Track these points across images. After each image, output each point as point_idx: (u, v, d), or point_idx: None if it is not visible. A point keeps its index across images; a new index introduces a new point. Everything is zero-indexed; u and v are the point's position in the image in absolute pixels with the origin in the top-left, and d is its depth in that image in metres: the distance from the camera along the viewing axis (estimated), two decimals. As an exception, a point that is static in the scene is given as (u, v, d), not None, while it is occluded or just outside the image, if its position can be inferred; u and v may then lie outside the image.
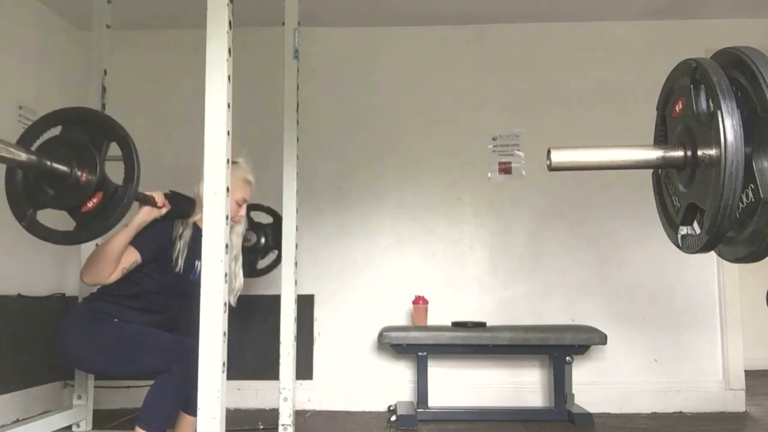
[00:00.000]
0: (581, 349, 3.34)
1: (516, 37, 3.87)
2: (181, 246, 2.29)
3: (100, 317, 2.26)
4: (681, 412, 3.53)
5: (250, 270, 2.99)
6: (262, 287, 3.63)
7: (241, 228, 2.54)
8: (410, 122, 3.84)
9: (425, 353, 3.35)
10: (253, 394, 3.62)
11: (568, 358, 3.33)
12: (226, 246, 1.67)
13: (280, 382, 2.77)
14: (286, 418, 2.77)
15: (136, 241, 2.22)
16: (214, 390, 1.61)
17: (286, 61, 2.90)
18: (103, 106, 2.96)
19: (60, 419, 2.85)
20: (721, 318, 3.62)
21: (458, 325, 3.46)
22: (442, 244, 3.76)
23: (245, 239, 2.83)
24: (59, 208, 1.90)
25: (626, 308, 3.63)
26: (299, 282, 2.91)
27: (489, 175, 3.79)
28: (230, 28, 1.71)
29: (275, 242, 3.01)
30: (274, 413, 2.84)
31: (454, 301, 3.68)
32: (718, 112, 1.10)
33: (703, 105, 1.21)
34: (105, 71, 3.02)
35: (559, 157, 1.29)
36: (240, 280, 2.52)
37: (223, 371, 1.63)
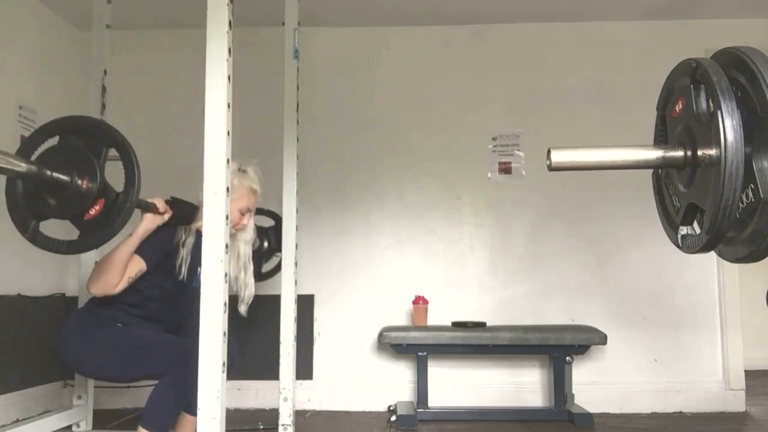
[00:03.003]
0: (581, 349, 3.34)
1: (516, 37, 3.87)
2: (184, 254, 2.29)
3: (104, 322, 2.26)
4: (681, 412, 3.53)
5: (256, 274, 2.98)
6: (262, 287, 3.61)
7: (248, 236, 2.50)
8: (410, 122, 3.84)
9: (425, 353, 3.35)
10: (253, 394, 3.62)
11: (568, 358, 3.33)
12: (226, 246, 1.67)
13: (280, 382, 2.77)
14: (286, 418, 2.77)
15: (141, 250, 2.21)
16: (214, 390, 1.60)
17: (286, 61, 2.90)
18: (103, 106, 2.96)
19: (60, 419, 2.85)
20: (721, 318, 3.62)
21: (458, 325, 3.46)
22: (442, 244, 3.76)
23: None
24: (62, 217, 1.90)
25: (626, 308, 3.63)
26: (299, 282, 2.91)
27: (489, 175, 3.79)
28: (230, 28, 1.71)
29: (278, 245, 3.00)
30: (274, 413, 2.84)
31: (454, 301, 3.68)
32: (718, 112, 1.10)
33: (703, 105, 1.21)
34: (105, 71, 3.02)
35: (559, 157, 1.29)
36: (251, 289, 2.50)
37: (223, 371, 1.63)
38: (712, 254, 1.30)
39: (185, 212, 2.33)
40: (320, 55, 3.82)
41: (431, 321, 3.55)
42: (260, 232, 3.00)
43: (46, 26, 3.57)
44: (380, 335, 3.36)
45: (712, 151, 1.13)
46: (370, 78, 3.88)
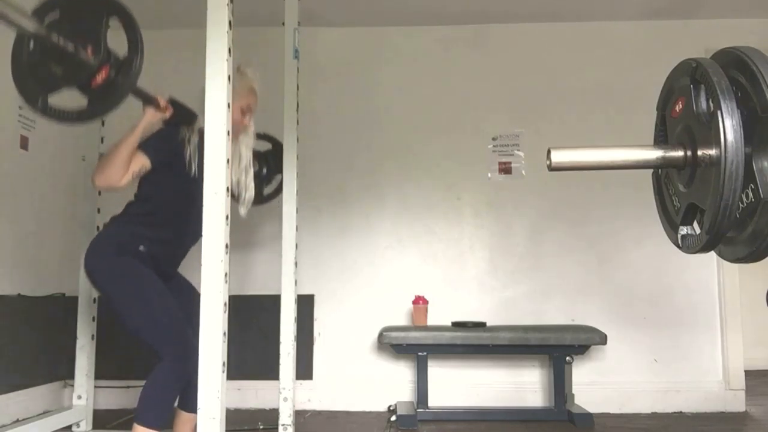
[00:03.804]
0: (581, 349, 3.34)
1: (516, 37, 3.87)
2: (191, 149, 2.29)
3: (123, 240, 2.26)
4: (681, 412, 3.53)
5: (258, 197, 2.97)
6: (262, 287, 3.63)
7: (250, 141, 2.51)
8: (410, 122, 3.84)
9: (425, 353, 3.35)
10: (253, 394, 3.62)
11: (568, 358, 3.33)
12: (226, 246, 1.67)
13: (280, 382, 2.77)
14: (286, 418, 2.78)
15: (143, 146, 2.23)
16: (214, 390, 1.61)
17: (286, 61, 2.90)
18: (103, 106, 2.95)
19: (60, 419, 2.85)
20: (721, 318, 3.62)
21: (458, 325, 3.46)
22: (442, 244, 3.76)
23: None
24: (69, 86, 1.92)
25: (626, 308, 3.63)
26: (299, 282, 2.91)
27: (489, 175, 3.79)
28: (230, 28, 1.71)
29: (277, 167, 2.99)
30: (274, 413, 2.85)
31: (454, 301, 3.68)
32: (718, 112, 1.10)
33: (703, 105, 1.21)
34: (105, 71, 3.02)
35: (559, 157, 1.29)
36: (251, 191, 2.52)
37: (223, 371, 1.63)
38: (712, 254, 1.30)
39: (185, 113, 2.35)
40: (320, 55, 3.82)
41: (431, 321, 3.55)
42: (258, 156, 2.99)
43: (46, 26, 3.56)
44: (380, 335, 3.36)
45: (712, 151, 1.13)
46: (370, 78, 3.88)
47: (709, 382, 3.58)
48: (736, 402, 3.55)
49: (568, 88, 3.80)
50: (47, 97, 1.92)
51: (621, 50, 3.81)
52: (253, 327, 3.62)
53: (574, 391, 3.37)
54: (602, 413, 3.44)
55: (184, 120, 2.35)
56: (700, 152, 1.20)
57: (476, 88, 3.83)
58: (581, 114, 3.77)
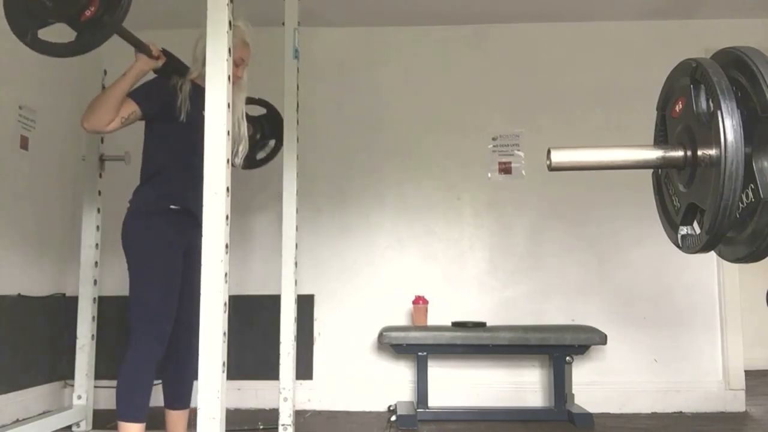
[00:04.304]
0: (581, 349, 3.34)
1: (516, 37, 3.87)
2: (182, 97, 2.30)
3: (144, 207, 2.28)
4: (681, 412, 3.53)
5: (251, 161, 2.98)
6: (262, 287, 3.63)
7: (242, 93, 2.54)
8: (410, 122, 3.84)
9: (425, 353, 3.35)
10: (253, 394, 3.62)
11: (568, 358, 3.33)
12: (226, 246, 1.67)
13: (280, 382, 2.77)
14: (286, 418, 2.77)
15: (134, 93, 2.25)
16: (214, 390, 1.61)
17: (286, 61, 2.90)
18: (103, 106, 2.95)
19: (60, 419, 2.85)
20: (721, 318, 3.62)
21: (458, 325, 3.46)
22: (442, 244, 3.76)
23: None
24: (59, 18, 1.95)
25: (626, 308, 3.63)
26: (299, 282, 2.91)
27: (489, 175, 3.79)
28: (230, 28, 1.71)
29: (272, 132, 3.01)
30: (274, 413, 2.85)
31: (454, 301, 3.68)
32: (718, 112, 1.10)
33: (703, 105, 1.21)
34: (105, 71, 3.02)
35: (559, 157, 1.29)
36: (245, 143, 2.55)
37: (223, 371, 1.63)
38: (712, 254, 1.30)
39: (178, 64, 2.37)
40: (320, 55, 3.82)
41: (431, 321, 3.55)
42: (253, 121, 2.99)
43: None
44: (380, 335, 3.36)
45: (712, 151, 1.13)
46: (370, 78, 3.88)
47: (709, 382, 3.58)
48: (736, 402, 3.55)
49: (568, 88, 3.80)
50: (36, 31, 1.95)
51: (621, 50, 3.80)
52: (253, 327, 3.62)
53: (574, 391, 3.37)
54: (602, 413, 3.44)
55: (176, 71, 2.36)
56: (700, 152, 1.20)
57: (476, 88, 3.83)
58: (581, 114, 3.77)
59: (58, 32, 2.00)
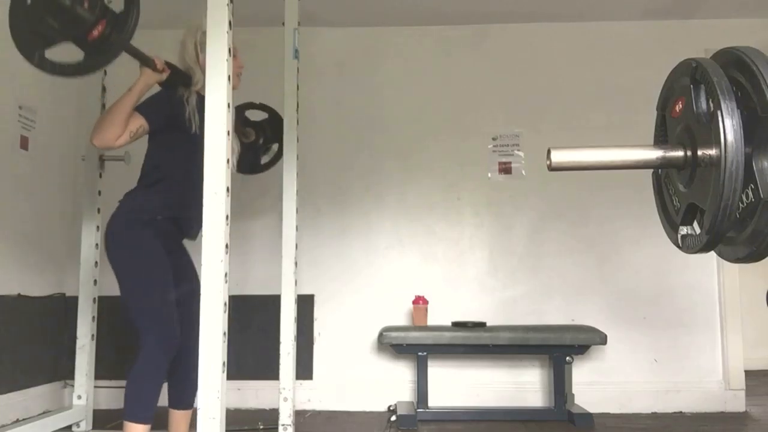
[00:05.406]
0: (581, 349, 3.34)
1: (516, 37, 3.87)
2: (190, 109, 2.31)
3: (134, 214, 2.28)
4: (681, 412, 3.53)
5: (254, 167, 2.99)
6: (262, 287, 3.63)
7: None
8: (410, 122, 3.84)
9: (425, 353, 3.35)
10: (253, 394, 3.62)
11: (568, 358, 3.33)
12: (226, 246, 1.67)
13: (280, 382, 2.77)
14: (286, 418, 2.77)
15: (141, 107, 2.25)
16: (214, 390, 1.61)
17: (286, 61, 2.90)
18: (103, 106, 2.95)
19: (60, 419, 2.85)
20: (721, 318, 3.62)
21: (458, 325, 3.46)
22: (442, 244, 3.76)
23: (244, 135, 2.85)
24: (66, 39, 1.95)
25: (626, 308, 3.63)
26: (299, 282, 2.91)
27: (489, 175, 3.79)
28: (230, 28, 1.71)
29: (274, 136, 3.00)
30: (274, 413, 2.84)
31: (454, 301, 3.68)
32: (718, 112, 1.10)
33: (703, 105, 1.21)
34: (105, 71, 3.01)
35: (559, 157, 1.28)
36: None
37: (223, 371, 1.63)
38: (712, 254, 1.29)
39: (182, 76, 2.38)
40: (320, 55, 3.82)
41: (431, 321, 3.55)
42: (255, 125, 2.99)
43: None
44: (380, 335, 3.36)
45: (712, 151, 1.12)
46: (370, 78, 3.88)
47: (709, 382, 3.58)
48: (736, 402, 3.55)
49: (568, 88, 3.80)
50: (44, 51, 1.95)
51: (621, 50, 3.81)
52: (253, 327, 3.62)
53: (574, 391, 3.37)
54: (602, 413, 3.44)
55: (180, 82, 2.37)
56: (700, 152, 1.20)
57: (476, 89, 3.83)
58: (581, 114, 3.77)
59: (66, 50, 1.99)
